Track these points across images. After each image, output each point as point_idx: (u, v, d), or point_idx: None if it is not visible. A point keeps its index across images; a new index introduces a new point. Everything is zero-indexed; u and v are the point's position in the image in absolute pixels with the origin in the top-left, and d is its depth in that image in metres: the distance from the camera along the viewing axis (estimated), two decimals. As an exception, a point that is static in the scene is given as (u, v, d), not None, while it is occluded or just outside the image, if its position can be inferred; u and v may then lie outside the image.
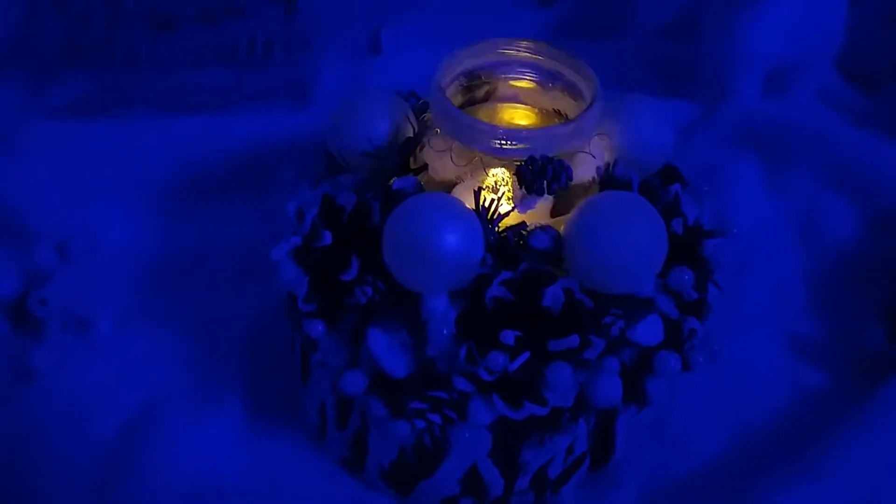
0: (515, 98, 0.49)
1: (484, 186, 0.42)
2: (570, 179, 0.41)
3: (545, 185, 0.40)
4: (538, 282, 0.40)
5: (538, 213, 0.44)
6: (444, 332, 0.40)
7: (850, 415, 0.54)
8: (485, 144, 0.42)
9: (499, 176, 0.42)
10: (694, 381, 0.56)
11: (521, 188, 0.41)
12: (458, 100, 0.47)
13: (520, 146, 0.41)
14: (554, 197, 0.44)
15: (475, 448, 0.44)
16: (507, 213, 0.42)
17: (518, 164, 0.41)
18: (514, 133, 0.41)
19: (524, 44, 0.46)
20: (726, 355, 0.57)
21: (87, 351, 0.55)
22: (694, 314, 0.46)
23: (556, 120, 0.48)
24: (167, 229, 0.65)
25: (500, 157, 0.42)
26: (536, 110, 0.48)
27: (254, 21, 0.79)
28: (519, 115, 0.49)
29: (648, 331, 0.43)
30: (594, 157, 0.43)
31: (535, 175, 0.40)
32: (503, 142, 0.41)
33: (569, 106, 0.47)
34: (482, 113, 0.48)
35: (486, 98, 0.49)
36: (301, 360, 0.50)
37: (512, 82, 0.47)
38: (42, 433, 0.51)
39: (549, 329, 0.40)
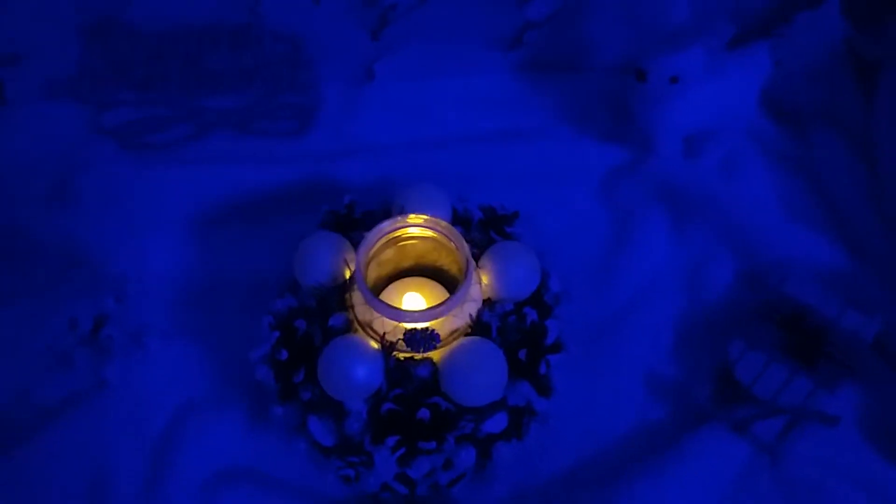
0: (431, 240, 0.68)
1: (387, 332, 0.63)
2: (436, 344, 0.62)
3: (420, 349, 0.61)
4: (419, 397, 0.62)
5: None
6: (355, 426, 0.63)
7: (669, 451, 0.75)
8: (384, 314, 0.62)
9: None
10: (563, 402, 0.78)
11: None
12: (385, 247, 0.67)
13: (405, 318, 0.62)
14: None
15: (384, 476, 0.68)
16: (402, 350, 0.63)
17: (405, 329, 0.62)
18: (401, 314, 0.61)
19: (419, 219, 0.65)
20: (593, 387, 0.79)
21: (142, 364, 0.79)
22: (543, 395, 0.68)
23: (445, 254, 0.67)
24: (195, 258, 0.86)
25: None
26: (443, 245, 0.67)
27: (266, 56, 0.95)
28: (423, 249, 0.68)
29: (495, 423, 0.65)
30: (461, 315, 0.63)
31: (414, 343, 0.61)
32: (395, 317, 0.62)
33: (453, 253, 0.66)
34: (396, 247, 0.68)
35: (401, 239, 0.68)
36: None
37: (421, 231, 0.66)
38: (112, 428, 0.76)
39: (421, 433, 0.62)
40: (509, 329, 0.65)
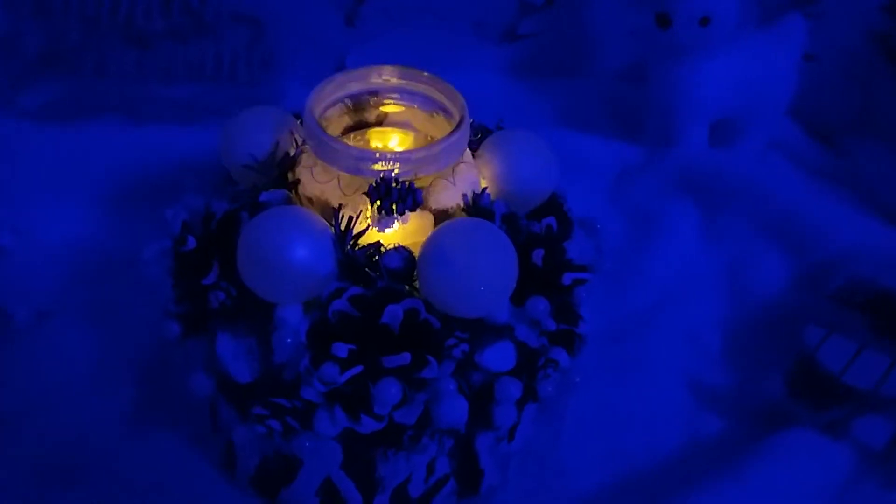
0: (406, 124, 0.50)
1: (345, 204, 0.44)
2: (418, 203, 0.42)
3: (391, 206, 0.42)
4: (385, 300, 0.41)
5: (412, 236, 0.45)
6: (288, 340, 0.42)
7: (738, 463, 0.53)
8: (343, 164, 0.43)
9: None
10: (586, 414, 0.57)
11: (372, 207, 0.42)
12: (344, 121, 0.49)
13: (375, 167, 0.43)
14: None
15: (326, 459, 0.45)
16: (363, 232, 0.43)
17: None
18: (366, 154, 0.43)
19: (392, 70, 0.48)
20: (626, 394, 0.59)
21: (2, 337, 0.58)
22: (563, 346, 0.47)
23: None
24: (101, 232, 0.68)
25: (359, 177, 0.43)
26: (425, 136, 0.50)
27: (221, 40, 0.82)
28: (407, 141, 0.50)
29: (498, 356, 0.43)
30: (454, 184, 0.44)
31: (382, 196, 0.41)
32: (359, 163, 0.42)
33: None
34: (371, 136, 0.50)
35: (379, 122, 0.50)
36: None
37: (396, 106, 0.49)
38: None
39: (387, 346, 0.41)
40: (519, 228, 0.46)
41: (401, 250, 0.43)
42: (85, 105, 0.79)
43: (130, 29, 0.80)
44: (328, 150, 0.43)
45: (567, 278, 0.45)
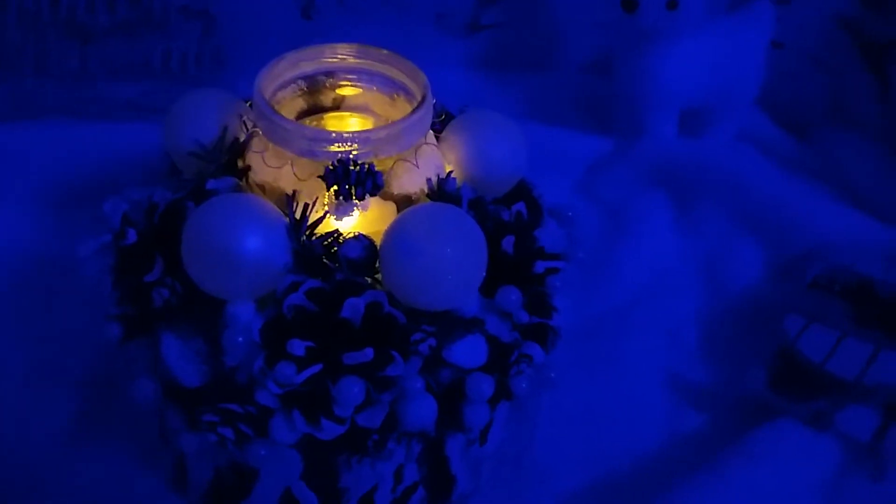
0: (365, 108, 0.47)
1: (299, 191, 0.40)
2: (379, 186, 0.39)
3: (350, 190, 0.38)
4: (345, 293, 0.38)
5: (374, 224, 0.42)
6: (240, 339, 0.38)
7: (721, 459, 0.51)
8: (296, 146, 0.40)
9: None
10: (561, 414, 0.54)
11: (329, 193, 0.39)
12: (298, 105, 0.46)
13: (331, 149, 0.39)
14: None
15: (285, 468, 0.42)
16: (320, 220, 0.40)
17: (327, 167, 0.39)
18: (321, 135, 0.40)
19: (349, 48, 0.45)
20: (602, 391, 0.57)
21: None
22: (537, 340, 0.44)
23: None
24: (40, 236, 0.63)
25: (314, 161, 0.40)
26: (385, 122, 0.47)
27: (170, 35, 0.78)
28: (366, 126, 0.47)
29: (468, 352, 0.40)
30: (417, 167, 0.42)
31: (339, 179, 0.38)
32: (314, 144, 0.39)
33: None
34: (327, 121, 0.47)
35: (337, 107, 0.47)
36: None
37: (354, 88, 0.46)
38: None
39: (348, 342, 0.37)
40: (487, 214, 0.43)
41: (361, 239, 0.40)
42: (24, 105, 0.75)
43: (73, 24, 0.77)
44: (280, 132, 0.40)
45: (539, 266, 0.42)
